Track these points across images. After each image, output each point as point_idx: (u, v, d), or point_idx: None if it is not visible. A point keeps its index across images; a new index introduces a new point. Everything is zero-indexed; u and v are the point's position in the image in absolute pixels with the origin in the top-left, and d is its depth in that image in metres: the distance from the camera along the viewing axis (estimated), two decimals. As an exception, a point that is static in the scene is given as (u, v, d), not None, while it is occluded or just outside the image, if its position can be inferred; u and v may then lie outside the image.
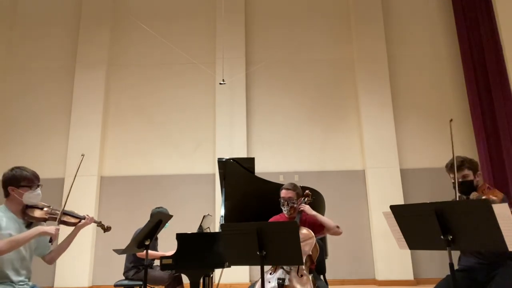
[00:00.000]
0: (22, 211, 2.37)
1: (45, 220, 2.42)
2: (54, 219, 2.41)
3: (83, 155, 3.27)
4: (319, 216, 2.94)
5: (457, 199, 2.43)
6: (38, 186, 2.41)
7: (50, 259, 2.53)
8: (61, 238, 2.64)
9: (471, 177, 2.50)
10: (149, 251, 4.01)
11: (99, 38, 7.24)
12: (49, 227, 2.32)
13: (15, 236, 2.21)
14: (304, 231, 2.76)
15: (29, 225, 2.39)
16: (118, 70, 7.28)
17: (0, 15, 7.41)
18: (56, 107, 7.09)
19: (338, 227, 2.94)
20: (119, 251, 2.81)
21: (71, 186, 2.80)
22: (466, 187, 2.50)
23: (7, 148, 6.93)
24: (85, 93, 6.98)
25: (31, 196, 2.36)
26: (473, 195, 2.42)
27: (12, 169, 2.38)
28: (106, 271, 6.28)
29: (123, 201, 6.65)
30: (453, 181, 2.55)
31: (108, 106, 7.12)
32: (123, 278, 4.17)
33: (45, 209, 2.44)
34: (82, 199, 6.40)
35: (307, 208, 2.94)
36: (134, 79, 7.24)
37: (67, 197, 2.68)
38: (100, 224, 2.72)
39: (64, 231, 2.54)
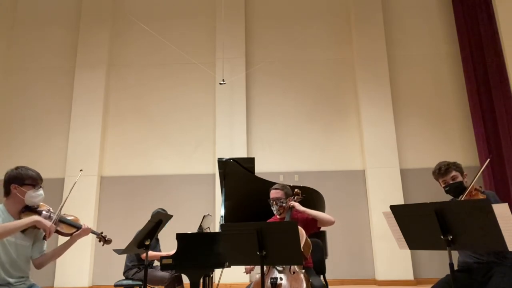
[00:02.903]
0: (19, 212, 2.29)
1: (38, 228, 2.30)
2: None
3: (81, 170, 3.14)
4: (308, 210, 2.93)
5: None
6: (40, 187, 2.35)
7: (39, 263, 2.40)
8: (54, 244, 2.55)
9: (460, 178, 2.57)
10: (151, 252, 4.04)
11: (99, 38, 7.24)
12: (46, 221, 2.25)
13: (9, 223, 2.14)
14: None
15: (24, 231, 2.28)
16: (118, 70, 7.28)
17: (0, 15, 7.41)
18: (56, 107, 7.10)
19: (332, 220, 2.93)
20: (119, 251, 2.80)
21: (64, 201, 2.62)
22: (458, 188, 2.55)
23: (7, 148, 6.93)
24: (85, 93, 6.98)
25: (33, 195, 2.30)
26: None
27: (17, 167, 2.33)
28: (106, 271, 6.28)
29: (123, 201, 6.65)
30: (443, 185, 2.60)
31: (108, 106, 7.12)
32: (123, 278, 4.18)
33: (42, 214, 2.34)
34: (82, 199, 6.41)
35: (297, 205, 2.94)
36: (134, 79, 7.24)
37: (61, 208, 2.45)
38: (99, 236, 2.56)
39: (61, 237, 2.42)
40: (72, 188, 2.69)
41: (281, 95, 7.06)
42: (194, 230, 4.07)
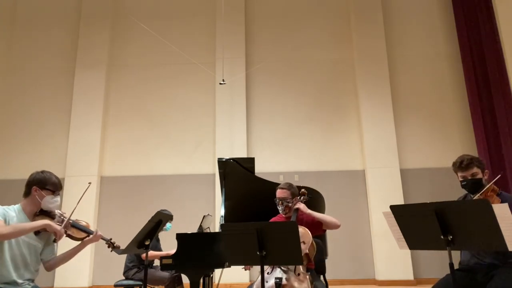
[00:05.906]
0: (34, 215, 2.36)
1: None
2: None
3: (90, 183, 3.29)
4: (314, 213, 2.91)
5: (472, 197, 2.42)
6: (58, 194, 2.44)
7: (50, 266, 2.48)
8: (66, 248, 2.60)
9: (480, 175, 2.49)
10: (152, 252, 4.04)
11: (99, 38, 7.24)
12: (56, 225, 2.32)
13: (21, 224, 2.22)
14: (300, 229, 2.75)
15: (37, 233, 2.36)
16: (118, 70, 7.28)
17: (0, 15, 7.41)
18: (56, 107, 7.10)
19: (337, 224, 2.91)
20: (119, 251, 2.80)
21: (75, 206, 2.66)
22: (475, 185, 2.49)
23: (7, 147, 6.93)
24: (85, 93, 6.98)
25: (50, 201, 2.39)
26: (477, 197, 2.42)
27: (42, 171, 2.43)
28: (106, 271, 6.28)
29: (123, 201, 6.65)
30: (461, 179, 2.54)
31: (108, 106, 7.12)
32: (123, 278, 4.18)
33: (55, 219, 2.42)
34: (82, 199, 6.38)
35: (302, 206, 2.91)
36: (134, 79, 7.24)
37: (71, 213, 2.53)
38: (108, 242, 2.65)
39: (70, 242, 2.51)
40: (81, 198, 2.79)
41: (281, 95, 7.06)
42: (194, 230, 4.07)
